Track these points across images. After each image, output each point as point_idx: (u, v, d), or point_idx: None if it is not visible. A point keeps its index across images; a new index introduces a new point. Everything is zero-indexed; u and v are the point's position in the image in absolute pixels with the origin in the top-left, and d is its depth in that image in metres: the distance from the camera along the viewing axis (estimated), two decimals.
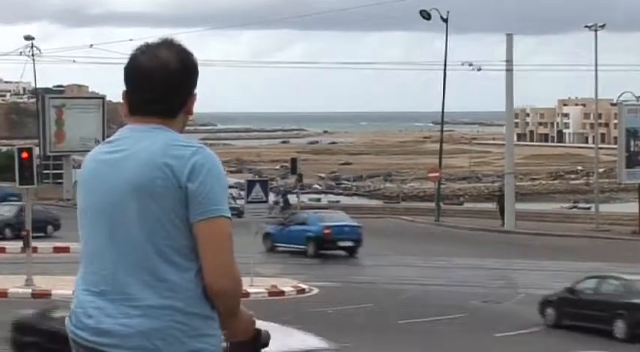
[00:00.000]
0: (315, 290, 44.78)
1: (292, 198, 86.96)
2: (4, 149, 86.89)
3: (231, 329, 4.45)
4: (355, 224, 58.51)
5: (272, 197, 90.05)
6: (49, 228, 62.05)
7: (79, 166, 79.16)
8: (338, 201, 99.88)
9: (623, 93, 69.12)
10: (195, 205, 4.09)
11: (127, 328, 4.10)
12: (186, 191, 4.10)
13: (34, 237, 48.14)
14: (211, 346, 4.34)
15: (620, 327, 36.86)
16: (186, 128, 4.52)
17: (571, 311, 38.78)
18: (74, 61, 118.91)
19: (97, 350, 4.19)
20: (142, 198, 4.08)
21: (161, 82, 4.30)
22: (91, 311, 4.23)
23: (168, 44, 4.41)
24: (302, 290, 44.59)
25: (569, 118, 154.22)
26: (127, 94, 4.50)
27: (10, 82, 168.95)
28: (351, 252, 57.72)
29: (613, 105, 78.12)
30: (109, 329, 4.12)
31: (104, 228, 4.21)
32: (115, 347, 4.14)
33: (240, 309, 4.41)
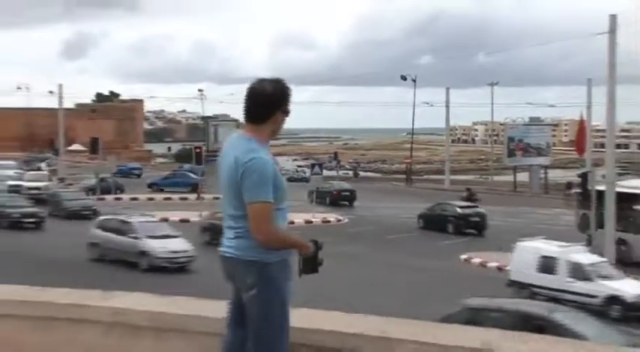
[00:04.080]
0: (346, 220, 41.21)
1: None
2: (188, 147, 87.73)
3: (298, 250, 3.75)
4: None
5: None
6: (117, 191, 51.47)
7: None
8: (358, 174, 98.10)
9: (506, 118, 68.48)
10: (244, 193, 3.56)
11: (230, 242, 3.68)
12: (242, 184, 3.60)
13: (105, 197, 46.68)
14: (267, 256, 3.60)
15: None
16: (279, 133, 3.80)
17: None
18: (221, 102, 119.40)
19: (221, 256, 3.76)
20: (230, 184, 3.64)
21: (254, 98, 3.63)
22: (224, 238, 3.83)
23: (272, 79, 3.68)
24: (339, 220, 40.69)
25: (477, 132, 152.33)
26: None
27: (190, 112, 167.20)
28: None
29: (501, 124, 77.67)
30: (226, 244, 3.73)
31: (223, 194, 3.77)
32: (226, 253, 3.69)
33: (294, 240, 3.67)
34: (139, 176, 68.27)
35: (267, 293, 3.48)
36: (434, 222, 37.40)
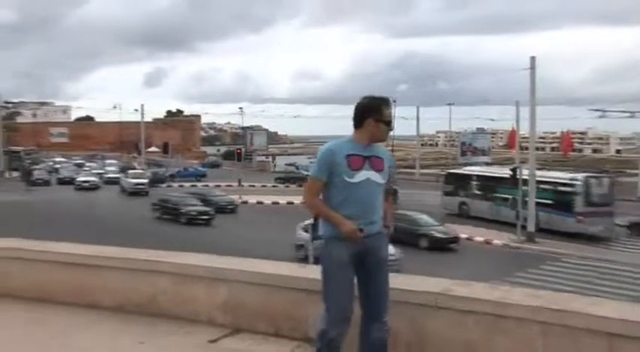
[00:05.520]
0: None
1: None
2: (231, 149, 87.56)
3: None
4: None
5: None
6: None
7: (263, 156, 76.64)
8: None
9: (460, 129, 69.27)
10: None
11: None
12: None
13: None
14: (323, 234, 3.08)
15: None
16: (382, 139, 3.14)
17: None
18: (256, 116, 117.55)
19: None
20: None
21: (354, 109, 3.06)
22: None
23: (371, 95, 3.08)
24: None
25: (439, 138, 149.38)
26: None
27: (233, 124, 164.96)
28: None
29: (457, 133, 77.45)
30: None
31: None
32: None
33: (326, 213, 3.03)
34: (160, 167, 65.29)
35: (320, 260, 3.13)
36: None
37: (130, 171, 45.55)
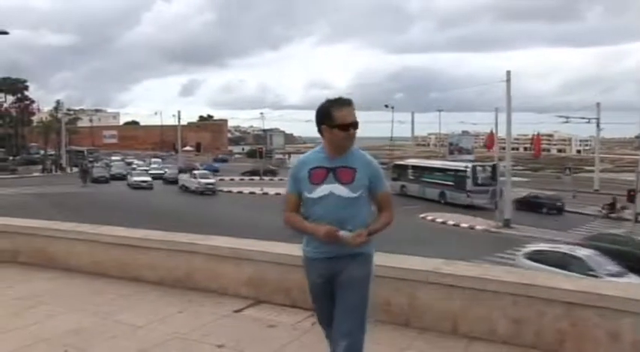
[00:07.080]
0: None
1: None
2: (254, 148, 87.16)
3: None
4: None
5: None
6: None
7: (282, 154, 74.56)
8: None
9: (448, 131, 68.25)
10: None
11: None
12: None
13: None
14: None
15: None
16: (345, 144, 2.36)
17: None
18: (274, 120, 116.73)
19: None
20: None
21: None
22: None
23: (325, 100, 2.36)
24: None
25: (431, 139, 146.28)
26: None
27: (255, 127, 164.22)
28: None
29: (445, 135, 76.42)
30: None
31: None
32: None
33: (303, 227, 2.37)
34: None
35: None
36: None
37: (197, 172, 39.14)
